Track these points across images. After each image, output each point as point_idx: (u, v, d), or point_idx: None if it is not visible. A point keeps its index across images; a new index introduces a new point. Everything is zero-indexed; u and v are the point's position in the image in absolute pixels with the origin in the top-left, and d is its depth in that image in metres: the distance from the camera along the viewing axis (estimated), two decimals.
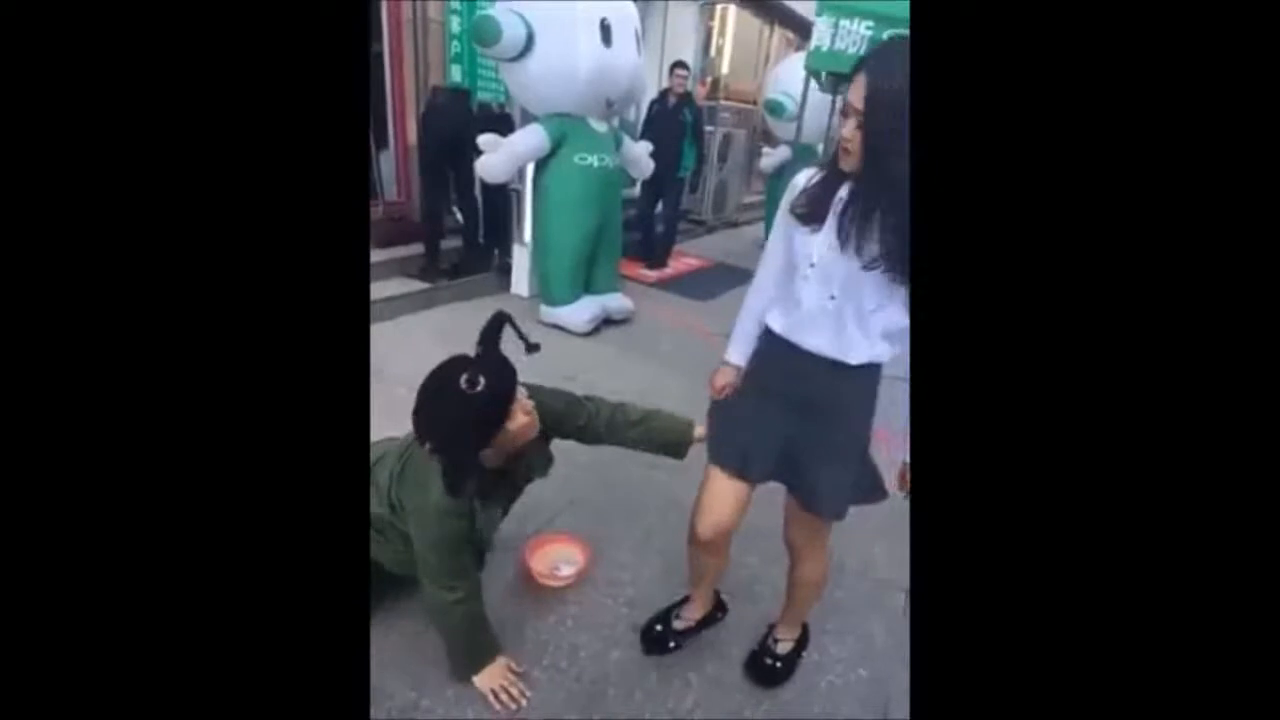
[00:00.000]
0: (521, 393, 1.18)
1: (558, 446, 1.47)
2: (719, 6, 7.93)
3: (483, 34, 2.81)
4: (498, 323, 1.20)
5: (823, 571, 1.38)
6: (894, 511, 1.22)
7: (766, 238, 1.23)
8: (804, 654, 1.52)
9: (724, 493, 1.24)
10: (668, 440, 1.53)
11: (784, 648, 1.49)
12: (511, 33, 2.82)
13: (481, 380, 1.08)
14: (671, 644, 1.51)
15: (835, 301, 1.03)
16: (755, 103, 7.73)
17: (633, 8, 3.20)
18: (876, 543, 1.93)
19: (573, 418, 1.41)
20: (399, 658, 1.40)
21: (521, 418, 1.17)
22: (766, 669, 1.46)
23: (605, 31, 2.97)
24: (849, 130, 0.94)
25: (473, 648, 1.34)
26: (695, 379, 3.05)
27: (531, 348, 1.34)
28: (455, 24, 3.74)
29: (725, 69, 8.38)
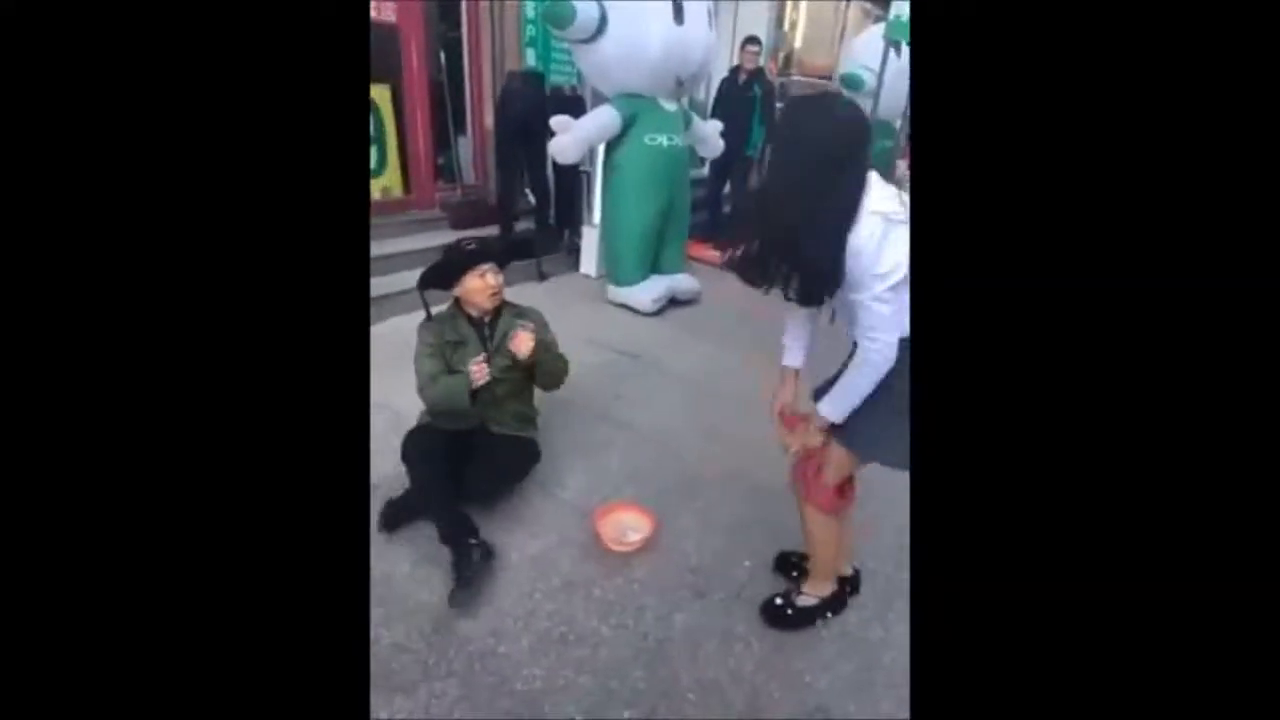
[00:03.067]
0: (496, 275, 1.74)
1: (634, 417, 1.52)
2: None
3: (557, 17, 2.87)
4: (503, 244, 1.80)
5: (831, 537, 1.45)
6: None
7: None
8: (830, 616, 1.54)
9: None
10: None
11: (805, 600, 1.54)
12: (585, 15, 2.86)
13: (468, 246, 1.73)
14: (788, 608, 1.54)
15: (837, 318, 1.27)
16: (830, 78, 7.45)
17: None
18: None
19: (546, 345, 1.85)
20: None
21: (476, 281, 1.71)
22: (777, 611, 1.53)
23: (677, 8, 2.97)
24: None
25: (450, 390, 1.68)
26: (761, 357, 3.05)
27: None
28: (530, 8, 3.82)
29: (799, 43, 8.12)
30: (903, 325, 1.13)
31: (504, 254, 1.83)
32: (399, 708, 1.28)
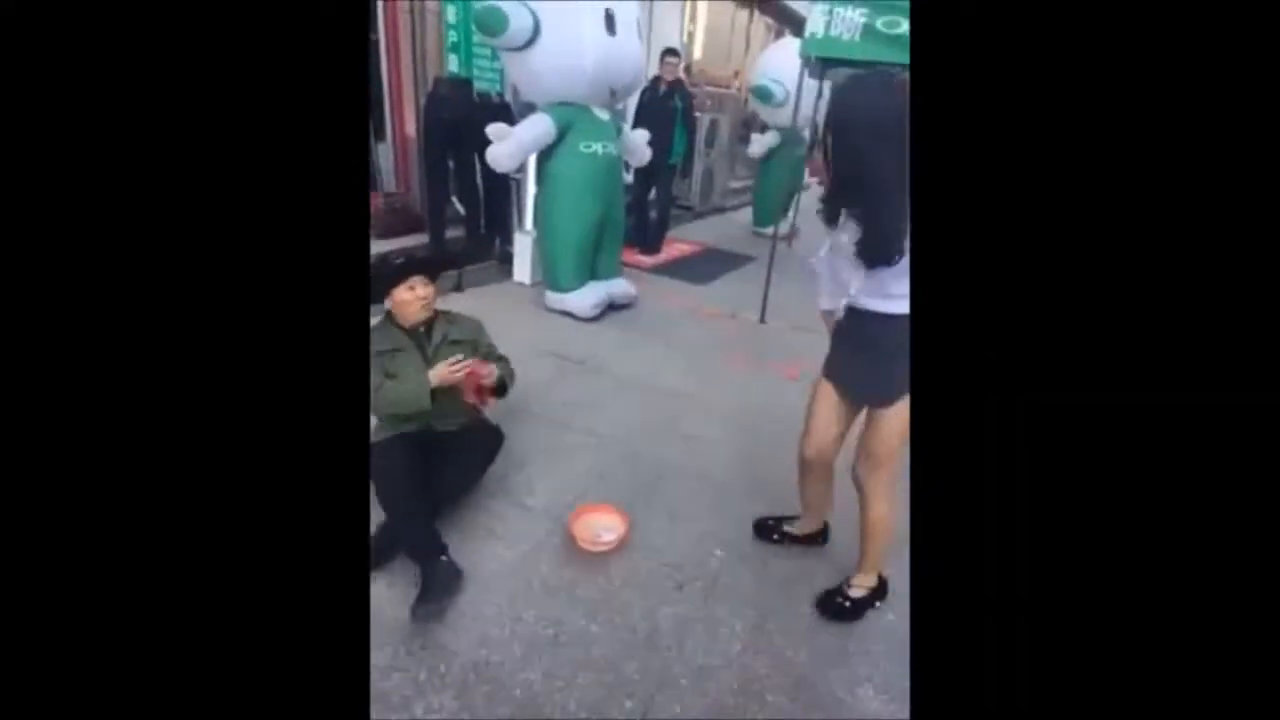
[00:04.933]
0: (425, 286, 1.78)
1: (590, 421, 1.56)
2: None
3: (490, 24, 2.86)
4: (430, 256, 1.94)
5: (890, 514, 1.53)
6: None
7: (755, 223, 1.48)
8: (879, 604, 1.65)
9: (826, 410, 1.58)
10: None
11: (857, 593, 1.64)
12: (519, 23, 2.86)
13: (395, 260, 1.78)
14: (775, 536, 1.83)
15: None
16: (729, 87, 7.80)
17: None
18: None
19: (486, 351, 1.93)
20: None
21: (405, 294, 1.74)
22: (836, 605, 1.63)
23: (609, 20, 3.04)
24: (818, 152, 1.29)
25: (407, 392, 1.68)
26: (702, 358, 3.18)
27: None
28: (452, 13, 3.76)
29: (698, 54, 8.42)
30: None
31: (432, 265, 1.84)
32: None
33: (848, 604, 1.62)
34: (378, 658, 1.39)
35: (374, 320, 1.77)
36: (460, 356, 1.72)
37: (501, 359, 1.93)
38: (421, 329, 1.81)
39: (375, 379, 1.68)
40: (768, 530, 1.86)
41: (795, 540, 1.84)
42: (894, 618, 1.64)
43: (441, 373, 1.68)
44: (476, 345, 1.89)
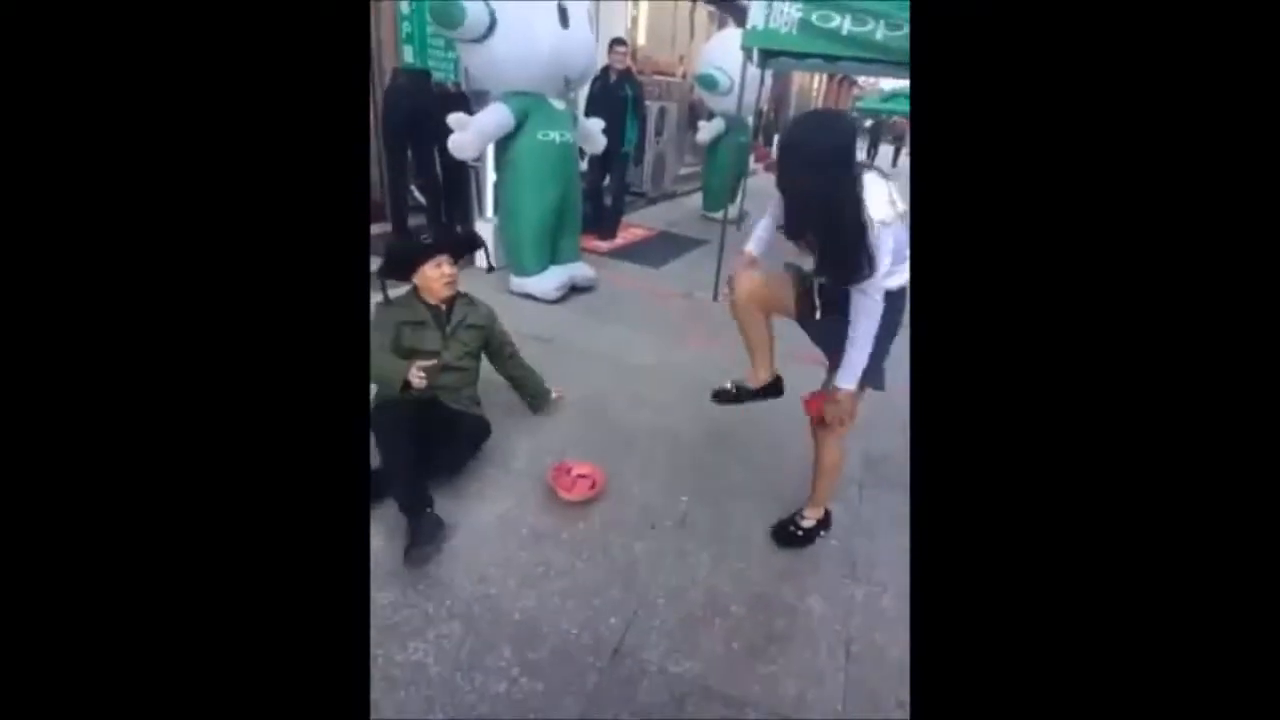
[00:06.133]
0: (451, 265, 1.95)
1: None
2: None
3: (447, 17, 2.96)
4: (456, 237, 2.17)
5: (840, 458, 1.80)
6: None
7: (704, 208, 1.71)
8: (824, 533, 1.91)
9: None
10: (531, 395, 2.35)
11: (807, 523, 1.90)
12: (475, 16, 2.98)
13: (424, 237, 2.04)
14: (733, 391, 1.92)
15: None
16: (674, 74, 7.95)
17: None
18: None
19: (499, 340, 2.19)
20: None
21: (431, 272, 1.91)
22: (789, 534, 1.89)
23: (563, 14, 3.18)
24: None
25: (384, 371, 1.81)
26: (662, 334, 3.40)
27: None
28: (405, 6, 3.81)
29: (642, 40, 8.52)
30: (899, 280, 1.44)
31: (458, 245, 2.01)
32: (414, 649, 1.43)
33: (800, 532, 1.88)
34: (385, 596, 1.55)
35: (399, 291, 1.99)
36: (434, 363, 1.86)
37: (512, 356, 2.19)
38: (443, 306, 1.98)
39: (383, 341, 1.84)
40: (725, 395, 1.93)
41: (752, 395, 1.90)
42: (836, 543, 1.91)
43: (413, 375, 1.78)
44: (491, 332, 2.11)
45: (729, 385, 1.94)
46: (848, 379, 1.53)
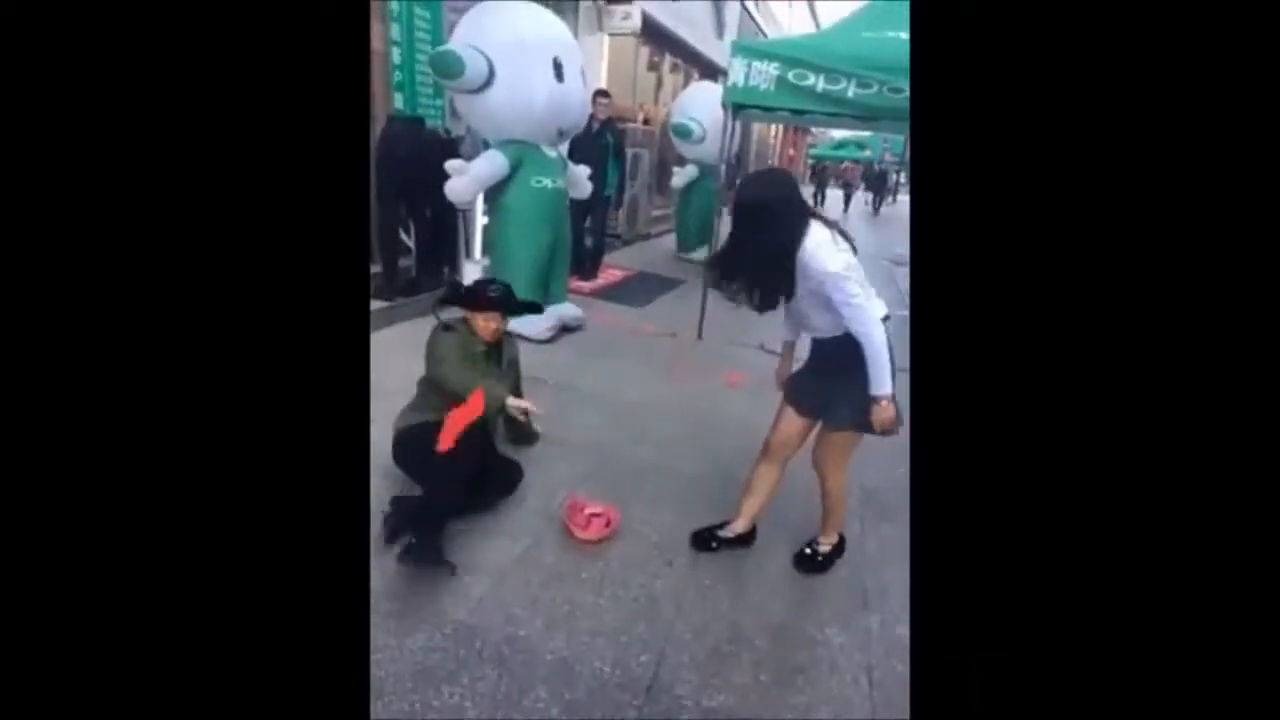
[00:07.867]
0: (496, 321, 2.13)
1: (566, 433, 1.83)
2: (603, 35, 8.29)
3: (447, 68, 3.07)
4: (495, 292, 2.15)
5: (843, 487, 1.92)
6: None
7: (679, 249, 1.93)
8: (842, 557, 2.01)
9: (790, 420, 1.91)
10: (520, 435, 2.48)
11: (825, 549, 2.01)
12: (474, 68, 3.10)
13: (492, 290, 2.12)
14: (714, 544, 2.02)
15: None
16: (634, 121, 8.19)
17: (577, 46, 3.58)
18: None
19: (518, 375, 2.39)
20: None
21: (482, 321, 2.09)
22: (810, 560, 1.99)
23: (557, 68, 3.34)
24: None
25: (501, 394, 2.01)
26: (653, 372, 3.48)
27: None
28: (396, 55, 3.92)
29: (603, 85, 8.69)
30: (880, 309, 1.62)
31: (515, 308, 2.23)
32: (449, 694, 1.42)
33: (819, 558, 1.98)
34: (414, 641, 1.54)
35: (451, 316, 2.18)
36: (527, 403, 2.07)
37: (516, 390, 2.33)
38: (492, 345, 2.21)
39: (458, 358, 2.04)
40: (704, 540, 2.03)
41: (728, 543, 2.02)
42: (847, 573, 1.99)
43: (515, 405, 2.00)
44: (518, 367, 2.35)
45: (705, 532, 2.05)
46: (881, 386, 1.63)
